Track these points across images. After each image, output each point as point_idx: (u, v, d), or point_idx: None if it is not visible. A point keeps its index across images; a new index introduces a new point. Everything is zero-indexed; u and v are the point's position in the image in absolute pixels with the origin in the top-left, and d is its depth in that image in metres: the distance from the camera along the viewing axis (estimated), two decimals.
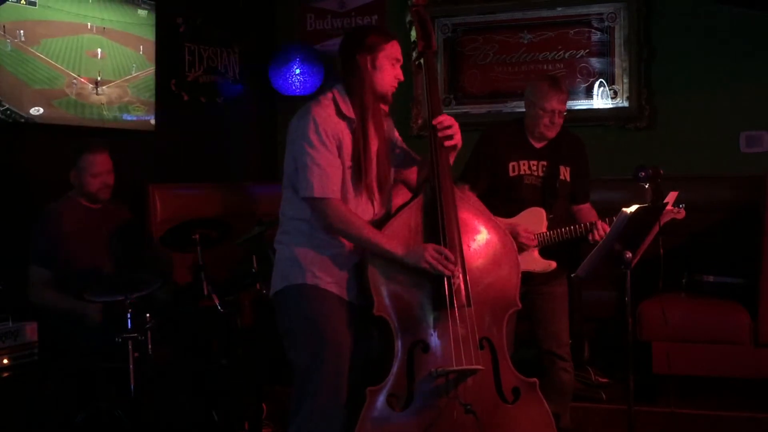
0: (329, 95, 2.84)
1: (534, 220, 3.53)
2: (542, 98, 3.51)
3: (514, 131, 3.65)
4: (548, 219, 3.55)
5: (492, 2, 5.59)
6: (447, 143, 2.85)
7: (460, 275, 2.78)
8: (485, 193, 3.54)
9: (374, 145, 2.86)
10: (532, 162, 3.59)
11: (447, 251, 2.72)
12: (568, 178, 3.62)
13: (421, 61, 3.02)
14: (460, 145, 2.89)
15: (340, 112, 2.80)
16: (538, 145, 3.62)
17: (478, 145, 3.67)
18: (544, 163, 3.59)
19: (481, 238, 2.91)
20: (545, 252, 3.54)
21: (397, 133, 3.10)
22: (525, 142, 3.62)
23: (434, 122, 2.86)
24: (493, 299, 2.87)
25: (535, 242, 3.48)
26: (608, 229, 3.37)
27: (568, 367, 3.62)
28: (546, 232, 3.52)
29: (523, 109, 3.68)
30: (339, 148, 2.78)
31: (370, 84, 2.81)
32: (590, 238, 3.46)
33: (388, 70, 2.83)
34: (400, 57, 2.87)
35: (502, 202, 3.43)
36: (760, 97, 5.09)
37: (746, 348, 4.17)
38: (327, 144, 2.74)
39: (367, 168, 2.82)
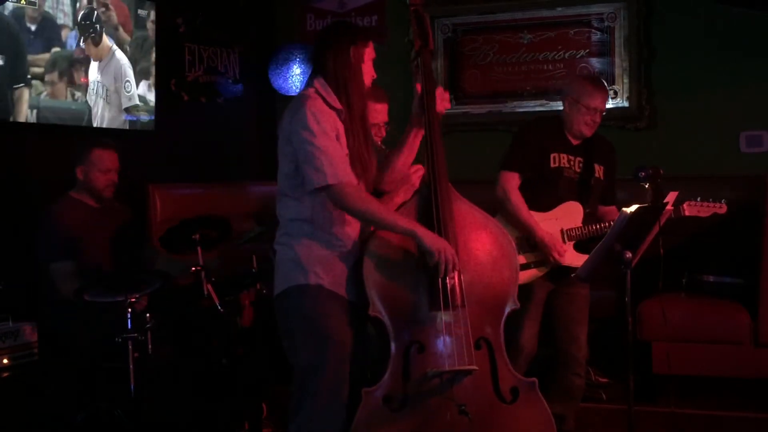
0: (311, 90, 2.82)
1: (571, 214, 3.55)
2: (587, 96, 3.51)
3: (554, 125, 3.66)
4: (585, 213, 3.56)
5: (492, 2, 5.60)
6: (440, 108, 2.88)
7: (456, 275, 2.77)
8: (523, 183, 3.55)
9: (368, 136, 2.89)
10: (570, 156, 3.60)
11: (457, 261, 2.71)
12: (602, 177, 3.63)
13: (419, 60, 3.00)
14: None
15: (328, 104, 2.79)
16: (574, 141, 3.63)
17: (522, 134, 3.67)
18: (580, 159, 3.60)
19: (477, 237, 2.89)
20: (580, 247, 3.54)
21: None
22: (563, 137, 3.62)
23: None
24: (491, 299, 2.85)
25: (565, 247, 3.49)
26: None
27: (582, 372, 3.60)
28: (581, 227, 3.53)
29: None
30: (337, 137, 2.77)
31: (363, 76, 2.84)
32: None
33: (370, 67, 2.88)
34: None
35: (539, 194, 3.40)
36: (760, 97, 5.09)
37: (746, 348, 4.17)
38: (328, 132, 2.73)
39: (368, 159, 2.84)
